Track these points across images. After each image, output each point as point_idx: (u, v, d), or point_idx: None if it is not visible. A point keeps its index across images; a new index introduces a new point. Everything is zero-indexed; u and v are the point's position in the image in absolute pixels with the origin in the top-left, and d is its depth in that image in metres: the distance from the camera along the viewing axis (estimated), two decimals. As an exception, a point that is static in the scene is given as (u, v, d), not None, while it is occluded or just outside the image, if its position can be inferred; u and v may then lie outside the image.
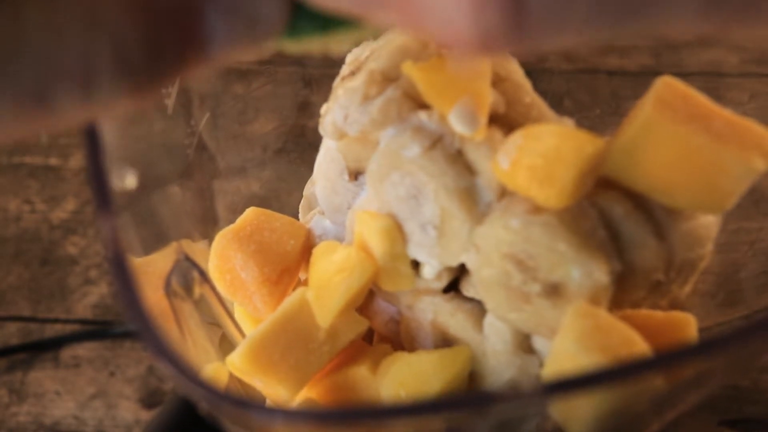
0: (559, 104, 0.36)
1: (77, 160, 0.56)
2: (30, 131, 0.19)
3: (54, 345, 0.48)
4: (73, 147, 0.56)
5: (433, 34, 0.18)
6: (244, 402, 0.22)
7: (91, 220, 0.53)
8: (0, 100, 0.18)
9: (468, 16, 0.17)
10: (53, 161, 0.56)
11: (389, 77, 0.33)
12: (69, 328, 0.49)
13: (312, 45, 0.21)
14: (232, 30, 0.19)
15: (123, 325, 0.48)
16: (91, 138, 0.26)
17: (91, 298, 0.50)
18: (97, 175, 0.26)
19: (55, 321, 0.49)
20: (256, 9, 0.19)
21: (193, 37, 0.19)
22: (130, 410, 0.45)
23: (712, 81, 0.39)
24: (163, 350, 0.23)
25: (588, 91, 0.45)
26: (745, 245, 0.38)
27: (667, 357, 0.23)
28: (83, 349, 0.48)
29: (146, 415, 0.45)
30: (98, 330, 0.48)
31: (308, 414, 0.23)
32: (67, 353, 0.47)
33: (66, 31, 0.18)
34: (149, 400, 0.46)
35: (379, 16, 0.19)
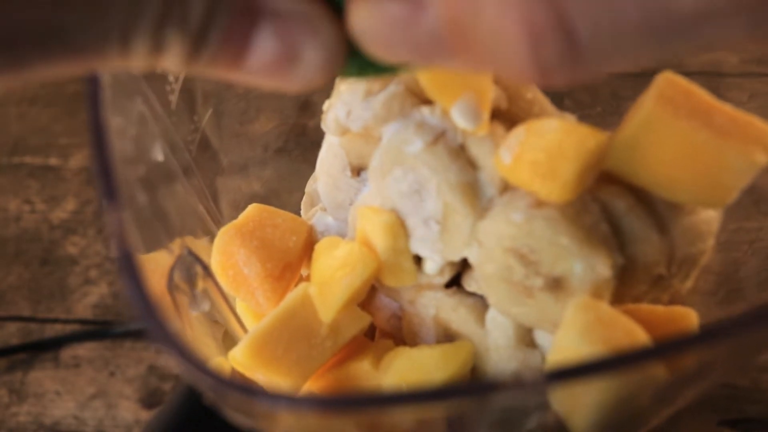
0: (559, 104, 0.36)
1: (77, 160, 0.56)
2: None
3: (54, 345, 0.48)
4: (73, 147, 0.57)
5: (498, 73, 0.21)
6: (250, 389, 0.22)
7: (91, 220, 0.53)
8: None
9: (527, 58, 0.19)
10: (53, 161, 0.56)
11: (392, 72, 0.33)
12: (69, 328, 0.49)
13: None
14: (275, 53, 0.20)
15: (123, 325, 0.48)
16: (97, 130, 0.26)
17: (91, 298, 0.50)
18: (103, 167, 0.26)
19: (55, 321, 0.49)
20: (302, 48, 0.20)
21: (240, 36, 0.19)
22: (130, 410, 0.45)
23: (712, 81, 0.39)
24: (169, 339, 0.23)
25: (588, 90, 0.45)
26: (745, 244, 0.38)
27: (669, 345, 0.23)
28: (83, 349, 0.48)
29: (146, 415, 0.45)
30: (98, 330, 0.48)
31: (312, 401, 0.23)
32: (67, 353, 0.47)
33: None
34: (149, 400, 0.45)
35: (444, 64, 0.20)
